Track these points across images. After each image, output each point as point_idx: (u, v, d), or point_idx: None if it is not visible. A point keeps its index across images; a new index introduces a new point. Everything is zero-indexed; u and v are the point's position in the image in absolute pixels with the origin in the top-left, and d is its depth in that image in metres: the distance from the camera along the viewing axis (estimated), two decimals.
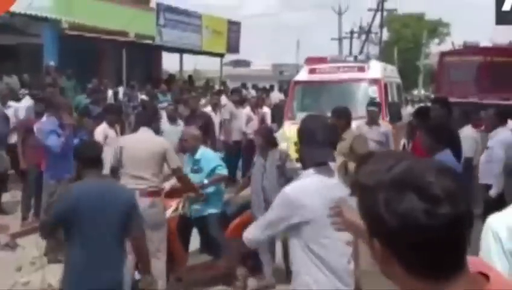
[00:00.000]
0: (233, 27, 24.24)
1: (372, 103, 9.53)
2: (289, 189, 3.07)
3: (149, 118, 6.13)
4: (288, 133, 10.29)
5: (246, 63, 52.34)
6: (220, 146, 11.30)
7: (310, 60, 12.74)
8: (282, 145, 10.11)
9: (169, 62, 25.64)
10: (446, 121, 6.15)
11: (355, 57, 12.86)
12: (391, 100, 12.08)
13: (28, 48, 15.32)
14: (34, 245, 6.98)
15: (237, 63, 47.49)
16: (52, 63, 14.03)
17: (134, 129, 6.55)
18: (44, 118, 8.02)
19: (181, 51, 21.87)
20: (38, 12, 13.75)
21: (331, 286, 2.97)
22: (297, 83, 12.30)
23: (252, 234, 3.15)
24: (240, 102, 12.82)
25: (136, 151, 5.65)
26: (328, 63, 12.21)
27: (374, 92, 11.33)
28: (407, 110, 14.89)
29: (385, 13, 39.72)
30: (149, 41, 19.05)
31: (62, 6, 15.03)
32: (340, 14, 42.33)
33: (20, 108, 10.71)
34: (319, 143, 3.09)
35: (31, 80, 13.09)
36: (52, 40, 14.86)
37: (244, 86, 21.02)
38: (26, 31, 14.90)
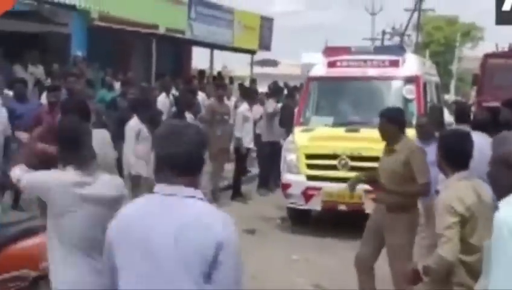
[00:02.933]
0: (266, 23, 23.56)
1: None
2: None
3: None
4: (298, 143, 9.14)
5: (273, 63, 51.53)
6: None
7: (329, 51, 10.15)
8: (291, 157, 8.96)
9: (198, 58, 25.06)
10: None
11: (386, 47, 11.68)
12: (431, 103, 10.00)
13: (55, 37, 14.81)
14: None
15: (264, 63, 46.74)
16: (79, 54, 13.51)
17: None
18: None
19: (212, 46, 21.27)
20: (66, 0, 13.23)
21: None
22: (313, 79, 10.00)
23: None
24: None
25: None
26: (353, 55, 9.98)
27: (410, 92, 9.46)
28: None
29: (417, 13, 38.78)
30: (179, 35, 18.50)
31: None
32: (373, 14, 41.47)
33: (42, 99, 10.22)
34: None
35: (58, 71, 12.59)
36: (80, 30, 14.35)
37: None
38: (54, 19, 14.38)
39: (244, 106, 11.09)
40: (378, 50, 10.80)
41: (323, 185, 8.85)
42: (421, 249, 5.77)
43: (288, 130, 10.00)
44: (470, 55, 53.64)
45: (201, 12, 19.02)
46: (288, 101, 12.30)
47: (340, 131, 9.18)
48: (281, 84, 21.24)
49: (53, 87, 8.42)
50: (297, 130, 9.42)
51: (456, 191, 3.84)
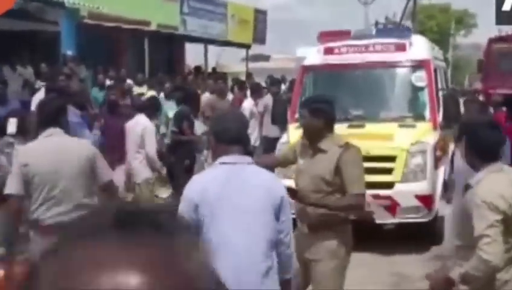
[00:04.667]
0: (260, 16, 23.07)
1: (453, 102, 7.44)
2: None
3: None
4: (293, 141, 7.37)
5: (265, 57, 51.00)
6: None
7: (324, 36, 8.99)
8: None
9: (191, 54, 24.53)
10: None
11: (390, 29, 10.46)
12: (444, 92, 9.09)
13: (44, 35, 14.25)
14: None
15: (256, 58, 46.22)
16: (70, 53, 12.97)
17: None
18: None
19: (205, 41, 20.77)
20: None
21: None
22: (307, 69, 8.81)
23: None
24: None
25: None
26: (352, 39, 8.81)
27: (420, 79, 8.26)
28: None
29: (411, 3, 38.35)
30: (172, 31, 17.98)
31: None
32: (366, 3, 40.96)
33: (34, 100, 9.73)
34: None
35: (48, 71, 12.03)
36: (69, 28, 13.81)
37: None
38: (42, 17, 13.83)
39: (249, 101, 10.35)
40: (381, 33, 9.33)
41: None
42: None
43: (283, 128, 8.63)
44: (464, 43, 53.42)
45: (194, 7, 18.54)
46: (281, 96, 11.31)
47: (342, 127, 7.40)
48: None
49: (51, 89, 7.91)
50: (292, 127, 7.92)
51: (493, 185, 3.42)
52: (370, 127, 7.69)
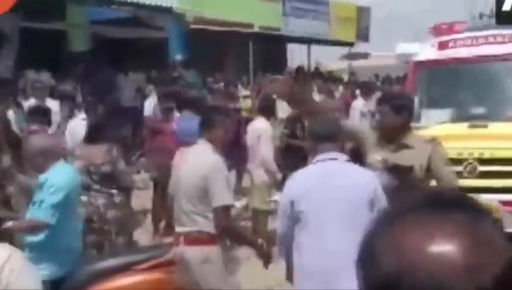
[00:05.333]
0: (363, 13, 22.62)
1: None
2: None
3: None
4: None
5: (363, 55, 49.71)
6: None
7: (438, 29, 9.01)
8: None
9: (292, 55, 24.44)
10: None
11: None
12: None
13: (153, 42, 14.62)
14: None
15: (354, 56, 45.23)
16: (178, 57, 13.22)
17: None
18: (179, 116, 7.12)
19: (307, 41, 20.61)
20: (163, 3, 12.98)
21: None
22: (420, 65, 8.13)
23: None
24: None
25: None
26: (470, 31, 8.04)
27: None
28: None
29: None
30: (275, 33, 17.98)
31: None
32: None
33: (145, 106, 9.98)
34: None
35: (158, 76, 12.32)
36: (177, 33, 14.09)
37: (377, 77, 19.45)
38: (151, 24, 14.18)
39: (360, 101, 10.01)
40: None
41: None
42: None
43: None
44: None
45: (295, 7, 18.42)
46: None
47: (463, 127, 7.19)
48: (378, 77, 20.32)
49: (166, 94, 8.02)
50: None
51: None
52: (494, 127, 6.90)
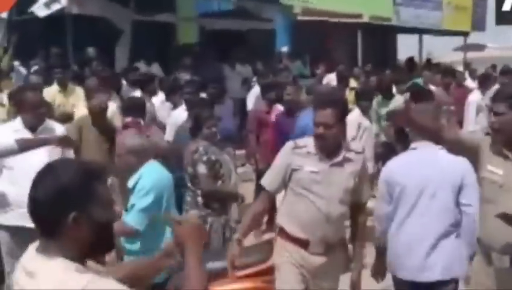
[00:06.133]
0: (480, 1, 21.46)
1: None
2: None
3: None
4: None
5: (479, 47, 47.28)
6: None
7: None
8: None
9: (403, 46, 23.68)
10: None
11: None
12: None
13: (260, 33, 14.59)
14: None
15: (470, 48, 43.15)
16: (284, 49, 13.10)
17: None
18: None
19: (419, 31, 19.85)
20: None
21: None
22: None
23: None
24: None
25: None
26: None
27: None
28: None
29: None
30: (385, 23, 17.43)
31: None
32: None
33: (249, 98, 9.89)
34: None
35: (264, 68, 12.24)
36: (284, 25, 13.99)
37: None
38: (258, 15, 14.15)
39: (475, 94, 9.23)
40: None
41: None
42: None
43: None
44: None
45: None
46: None
47: None
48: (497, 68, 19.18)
49: (269, 85, 7.85)
50: None
51: None
52: None
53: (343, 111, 3.56)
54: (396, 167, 3.65)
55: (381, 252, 3.74)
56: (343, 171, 3.51)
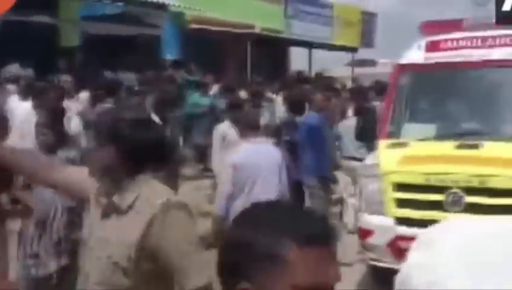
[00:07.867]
0: (368, 18, 22.13)
1: None
2: None
3: None
4: (384, 166, 5.70)
5: (371, 62, 48.76)
6: None
7: (428, 27, 7.04)
8: (371, 189, 5.83)
9: (295, 59, 24.00)
10: None
11: None
12: None
13: (146, 39, 14.18)
14: None
15: (362, 63, 44.45)
16: (171, 57, 12.80)
17: None
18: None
19: (310, 45, 20.15)
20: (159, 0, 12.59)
21: None
22: (405, 69, 6.62)
23: None
24: None
25: None
26: (465, 31, 6.61)
27: None
28: None
29: None
30: (276, 35, 17.55)
31: None
32: (480, 5, 38.80)
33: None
34: None
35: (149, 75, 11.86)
36: (172, 32, 13.67)
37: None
38: (145, 21, 13.75)
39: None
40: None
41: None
42: None
43: (369, 146, 6.87)
44: None
45: (299, 9, 18.00)
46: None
47: (449, 147, 5.81)
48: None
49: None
50: (382, 145, 6.05)
51: None
52: (488, 148, 5.67)
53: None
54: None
55: None
56: None
